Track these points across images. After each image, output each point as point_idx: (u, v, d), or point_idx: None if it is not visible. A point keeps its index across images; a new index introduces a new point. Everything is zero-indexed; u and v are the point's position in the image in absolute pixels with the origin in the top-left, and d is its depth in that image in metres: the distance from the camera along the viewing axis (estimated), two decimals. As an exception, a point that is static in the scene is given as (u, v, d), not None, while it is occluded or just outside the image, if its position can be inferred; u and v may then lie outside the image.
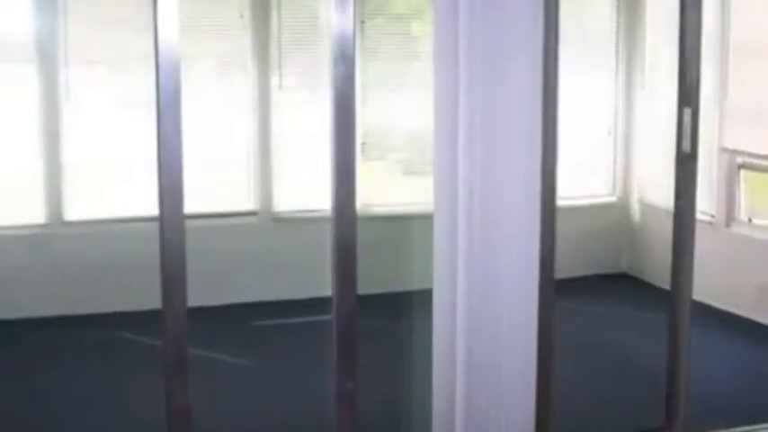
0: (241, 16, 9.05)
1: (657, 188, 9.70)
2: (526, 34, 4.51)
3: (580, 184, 9.94)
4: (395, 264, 8.09)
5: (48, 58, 8.57)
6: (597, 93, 10.16)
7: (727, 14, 8.87)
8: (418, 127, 8.94)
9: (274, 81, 9.18)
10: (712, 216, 9.05)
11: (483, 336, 4.63)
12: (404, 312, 7.43)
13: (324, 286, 4.75)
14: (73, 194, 8.76)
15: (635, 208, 10.28)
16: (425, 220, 4.78)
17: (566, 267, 5.29)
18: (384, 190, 9.50)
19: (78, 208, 8.78)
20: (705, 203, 8.66)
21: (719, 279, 8.48)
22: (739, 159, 8.99)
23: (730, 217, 9.08)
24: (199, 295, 4.66)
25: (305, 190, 9.18)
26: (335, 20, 4.33)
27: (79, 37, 8.61)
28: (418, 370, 5.19)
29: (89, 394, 7.18)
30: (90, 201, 8.83)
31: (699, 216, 5.24)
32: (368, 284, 4.81)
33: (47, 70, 8.58)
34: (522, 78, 4.52)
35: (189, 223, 4.17)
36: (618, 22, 10.11)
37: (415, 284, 6.96)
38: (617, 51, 10.15)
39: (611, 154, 10.30)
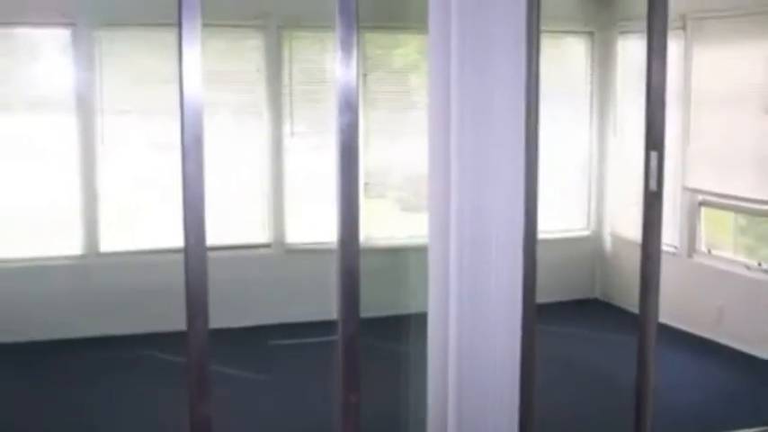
0: (257, 70, 9.07)
1: (627, 223, 9.71)
2: (510, 85, 4.51)
3: (558, 220, 9.95)
4: (394, 290, 8.07)
5: (86, 107, 8.59)
6: (574, 138, 10.17)
7: (689, 70, 8.89)
8: (415, 168, 8.93)
9: (286, 128, 9.18)
10: (676, 247, 9.05)
11: (472, 354, 4.62)
12: (402, 333, 7.41)
13: (330, 310, 4.73)
14: (108, 228, 8.77)
15: (607, 240, 10.27)
16: (421, 251, 4.77)
17: (545, 293, 5.27)
18: (384, 224, 9.49)
19: (112, 240, 8.78)
20: (669, 236, 8.66)
21: (682, 303, 8.48)
22: (700, 197, 8.99)
23: (692, 248, 9.07)
24: (220, 318, 4.64)
25: (313, 225, 9.18)
26: (340, 73, 4.34)
27: (113, 89, 8.63)
28: (414, 384, 5.17)
29: (121, 405, 7.16)
30: (123, 234, 8.83)
31: (664, 248, 5.23)
32: (370, 308, 4.79)
33: (85, 119, 8.60)
34: (507, 125, 4.52)
35: (211, 254, 4.16)
36: (592, 75, 10.13)
37: (412, 309, 6.95)
38: (591, 102, 10.17)
39: (585, 192, 10.30)
